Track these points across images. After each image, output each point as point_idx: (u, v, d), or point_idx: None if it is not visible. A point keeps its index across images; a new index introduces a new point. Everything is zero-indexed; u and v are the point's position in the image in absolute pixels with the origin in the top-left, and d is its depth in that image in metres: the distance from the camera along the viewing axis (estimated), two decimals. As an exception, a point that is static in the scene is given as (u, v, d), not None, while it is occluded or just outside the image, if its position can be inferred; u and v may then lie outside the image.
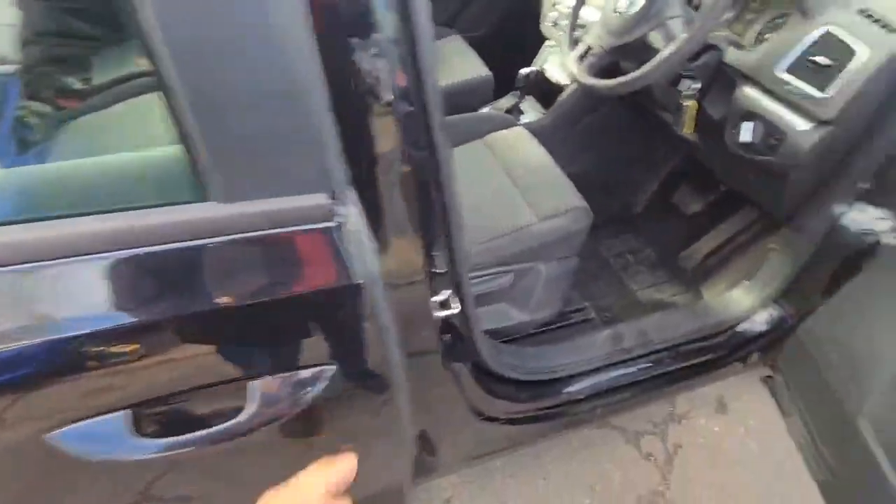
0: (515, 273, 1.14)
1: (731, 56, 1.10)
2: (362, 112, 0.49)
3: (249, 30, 0.41)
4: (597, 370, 1.23)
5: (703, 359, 1.31)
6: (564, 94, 1.63)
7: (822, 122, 0.94)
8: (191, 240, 0.45)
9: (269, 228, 0.46)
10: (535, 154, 1.32)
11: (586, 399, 1.24)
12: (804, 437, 1.01)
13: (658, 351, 1.28)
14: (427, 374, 0.78)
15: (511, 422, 1.17)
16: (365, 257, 0.49)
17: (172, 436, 0.51)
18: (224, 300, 0.47)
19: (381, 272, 0.51)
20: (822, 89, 0.93)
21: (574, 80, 1.19)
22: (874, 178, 1.00)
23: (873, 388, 0.87)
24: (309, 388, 0.51)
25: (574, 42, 1.24)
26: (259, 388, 0.50)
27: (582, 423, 1.33)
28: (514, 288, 1.19)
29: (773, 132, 0.99)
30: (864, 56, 0.90)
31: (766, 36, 1.06)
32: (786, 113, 0.98)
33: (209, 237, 0.45)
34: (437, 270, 0.77)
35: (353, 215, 0.49)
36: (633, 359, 1.26)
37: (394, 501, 0.85)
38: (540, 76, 1.74)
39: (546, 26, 1.66)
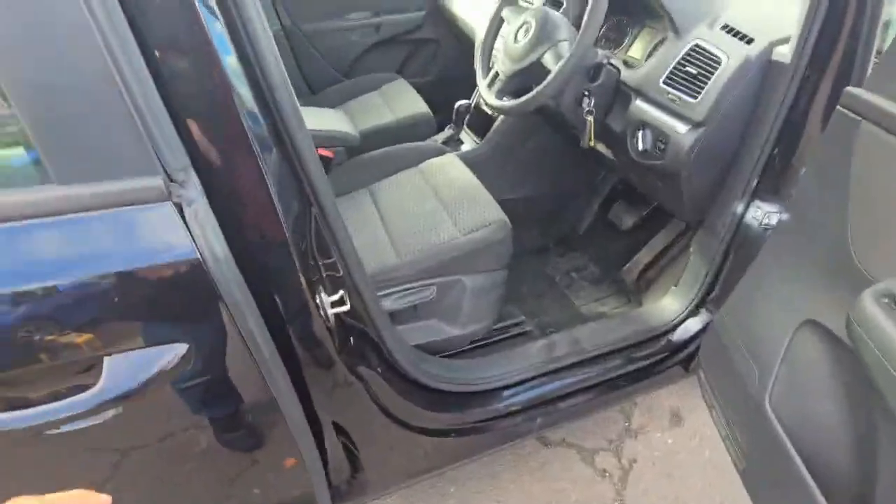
0: (439, 286, 1.18)
1: (626, 75, 1.21)
2: (194, 94, 0.53)
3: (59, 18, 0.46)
4: (531, 380, 1.25)
5: (640, 365, 1.33)
6: (497, 123, 1.73)
7: (696, 124, 1.02)
8: (32, 218, 0.50)
9: (107, 207, 0.51)
10: (461, 176, 1.39)
11: (523, 410, 1.25)
12: (724, 428, 1.03)
13: (593, 358, 1.30)
14: (323, 369, 0.79)
15: (445, 434, 1.17)
16: (207, 236, 0.53)
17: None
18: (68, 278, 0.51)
19: (229, 252, 0.55)
20: (694, 96, 1.03)
21: (485, 103, 1.29)
22: (761, 174, 1.07)
23: (773, 368, 0.90)
24: (158, 366, 0.54)
25: (488, 70, 1.35)
26: (108, 365, 0.53)
27: (523, 434, 1.32)
28: (441, 302, 1.22)
29: (659, 137, 1.08)
30: (725, 63, 0.99)
31: (652, 55, 1.17)
32: (668, 119, 1.06)
33: (49, 216, 0.49)
34: (334, 273, 0.81)
35: (193, 197, 0.53)
36: (567, 367, 1.28)
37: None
38: (475, 108, 1.85)
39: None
